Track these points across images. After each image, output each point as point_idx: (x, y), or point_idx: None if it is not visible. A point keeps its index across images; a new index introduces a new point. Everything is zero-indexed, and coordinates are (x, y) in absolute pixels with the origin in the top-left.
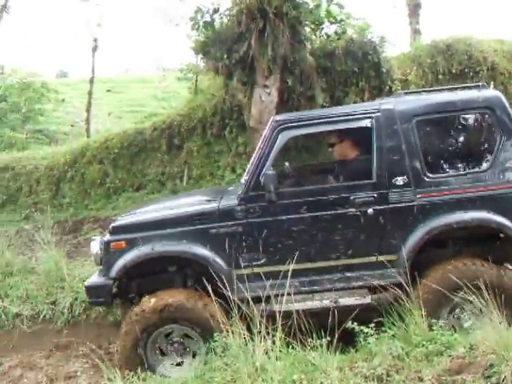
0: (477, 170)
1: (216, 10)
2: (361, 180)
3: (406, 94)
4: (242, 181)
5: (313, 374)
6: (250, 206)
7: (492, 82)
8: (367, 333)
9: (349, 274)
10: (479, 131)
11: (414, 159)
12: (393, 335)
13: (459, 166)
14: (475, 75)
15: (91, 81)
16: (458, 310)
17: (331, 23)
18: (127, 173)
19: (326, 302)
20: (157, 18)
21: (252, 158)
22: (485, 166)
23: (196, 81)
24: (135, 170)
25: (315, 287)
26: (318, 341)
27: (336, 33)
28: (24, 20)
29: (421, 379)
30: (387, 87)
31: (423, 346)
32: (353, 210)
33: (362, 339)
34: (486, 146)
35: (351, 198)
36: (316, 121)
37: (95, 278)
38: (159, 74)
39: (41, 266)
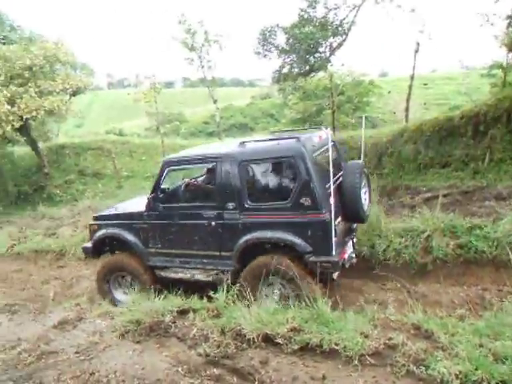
0: (280, 202)
1: None
2: (208, 203)
3: (244, 143)
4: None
5: None
6: (150, 213)
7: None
8: None
9: (205, 260)
10: (286, 174)
11: (240, 191)
12: None
13: (270, 198)
14: None
15: (412, 77)
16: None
17: None
18: (436, 152)
19: (188, 276)
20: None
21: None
22: (286, 200)
23: (505, 75)
24: (442, 151)
25: (186, 265)
26: None
27: None
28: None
29: None
30: None
31: None
32: (204, 221)
33: None
34: (289, 185)
35: (202, 214)
36: (187, 161)
37: (87, 244)
38: (463, 72)
39: None
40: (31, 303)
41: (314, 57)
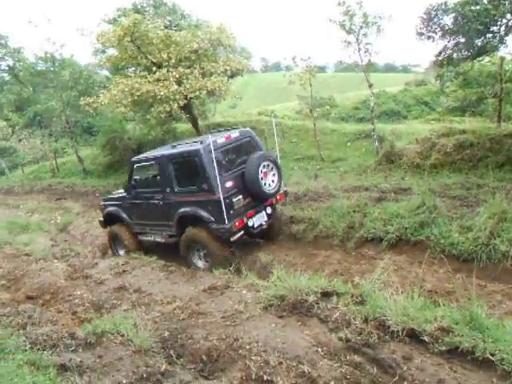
0: (192, 187)
1: None
2: (157, 188)
3: (175, 146)
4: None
5: None
6: (127, 195)
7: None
8: None
9: (160, 228)
10: (195, 167)
11: (172, 180)
12: None
13: (188, 184)
14: None
15: None
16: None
17: None
18: None
19: (152, 238)
20: None
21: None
22: (199, 185)
23: None
24: None
25: (150, 231)
26: None
27: None
28: None
29: None
30: None
31: None
32: (155, 201)
33: None
34: (196, 174)
35: (154, 196)
36: (144, 160)
37: (100, 218)
38: None
39: None
40: (184, 267)
41: (486, 37)
